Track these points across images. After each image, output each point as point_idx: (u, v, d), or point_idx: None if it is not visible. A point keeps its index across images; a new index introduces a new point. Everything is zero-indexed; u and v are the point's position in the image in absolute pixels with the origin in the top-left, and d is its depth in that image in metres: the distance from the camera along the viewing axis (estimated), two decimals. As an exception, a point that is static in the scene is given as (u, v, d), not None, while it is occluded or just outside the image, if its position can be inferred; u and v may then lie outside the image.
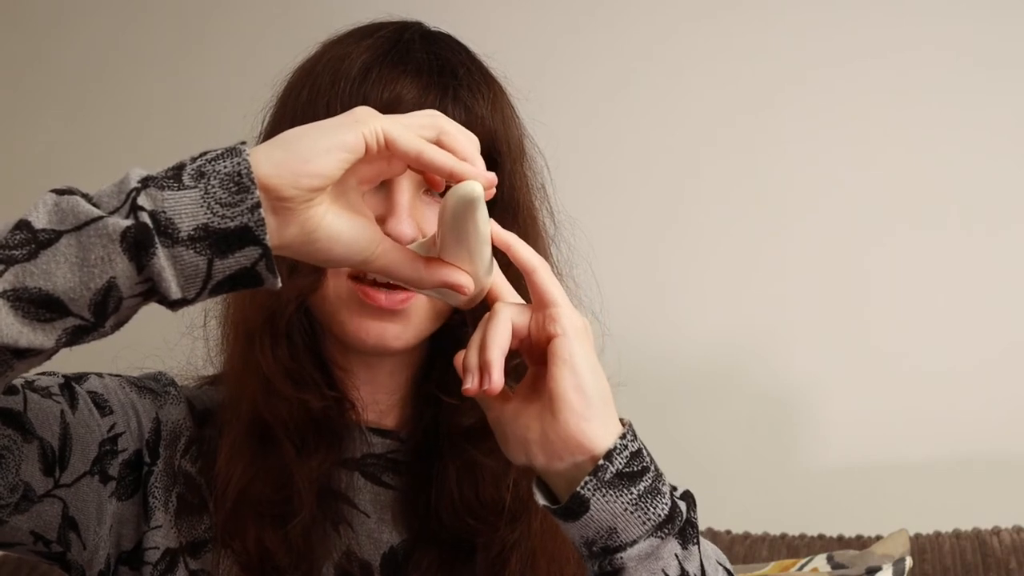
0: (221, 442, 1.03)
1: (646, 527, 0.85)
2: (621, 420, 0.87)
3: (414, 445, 1.07)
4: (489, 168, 0.90)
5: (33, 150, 2.43)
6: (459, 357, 0.89)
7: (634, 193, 2.12)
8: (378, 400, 1.07)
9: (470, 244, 0.84)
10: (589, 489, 0.84)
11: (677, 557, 0.86)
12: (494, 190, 0.83)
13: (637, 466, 0.85)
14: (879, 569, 1.61)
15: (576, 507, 0.84)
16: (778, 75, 2.08)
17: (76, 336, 0.77)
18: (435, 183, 0.86)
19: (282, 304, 1.00)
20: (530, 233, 1.05)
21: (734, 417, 2.05)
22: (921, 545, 1.74)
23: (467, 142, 0.83)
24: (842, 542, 1.78)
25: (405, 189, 0.96)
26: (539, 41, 2.16)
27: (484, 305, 0.90)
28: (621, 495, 0.84)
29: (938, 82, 2.02)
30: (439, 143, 0.82)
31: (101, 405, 0.99)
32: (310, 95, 1.01)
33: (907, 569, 1.62)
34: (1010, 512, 1.79)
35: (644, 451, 0.87)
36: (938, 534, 1.76)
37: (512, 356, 0.87)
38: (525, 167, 1.07)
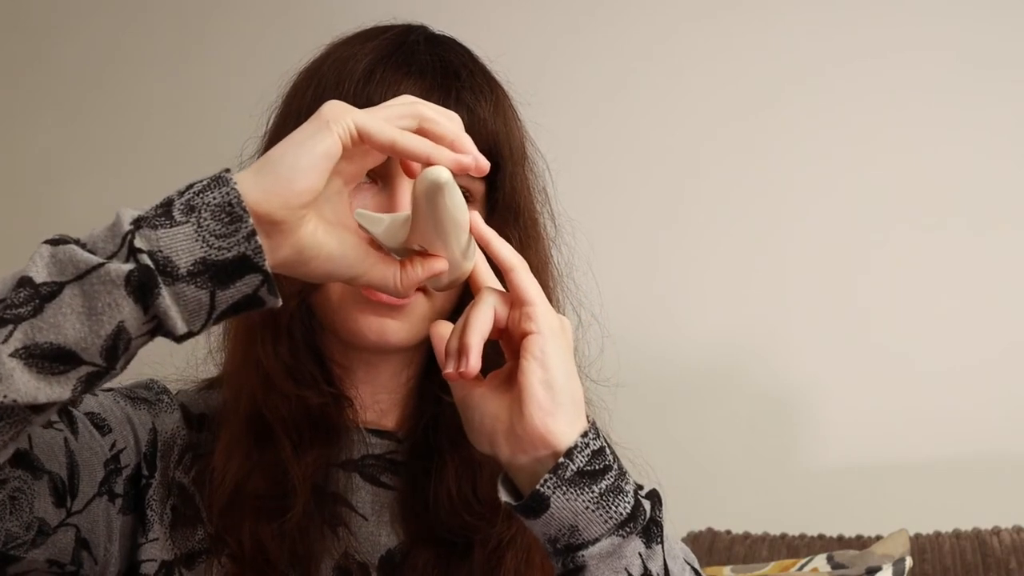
0: (219, 438, 1.03)
1: (607, 525, 0.85)
2: (588, 418, 0.87)
3: (412, 445, 1.07)
4: (491, 172, 0.90)
5: (33, 150, 2.43)
6: (435, 327, 0.90)
7: (634, 194, 2.12)
8: (379, 400, 1.07)
9: (443, 228, 0.84)
10: (549, 487, 0.84)
11: (640, 556, 0.86)
12: (484, 163, 0.84)
13: (599, 464, 0.85)
14: (879, 569, 1.61)
15: (536, 505, 0.85)
16: (778, 75, 2.08)
17: (91, 383, 0.78)
18: (410, 170, 0.87)
19: (284, 301, 1.00)
20: (531, 236, 1.05)
21: (734, 417, 2.05)
22: (921, 545, 1.74)
23: (450, 125, 0.83)
24: (842, 542, 1.78)
25: (407, 190, 0.97)
26: (539, 42, 2.16)
27: (469, 293, 0.90)
28: (582, 493, 0.84)
29: (938, 82, 2.02)
30: (421, 131, 0.82)
31: (100, 425, 0.99)
32: (315, 95, 1.02)
33: (907, 569, 1.62)
34: (1010, 512, 1.79)
35: (607, 449, 0.87)
36: (938, 534, 1.76)
37: (492, 344, 0.87)
38: (527, 170, 1.07)
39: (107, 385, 1.04)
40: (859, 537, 1.79)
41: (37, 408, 0.77)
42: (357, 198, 0.98)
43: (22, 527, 0.89)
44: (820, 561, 1.67)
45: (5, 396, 0.75)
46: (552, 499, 0.84)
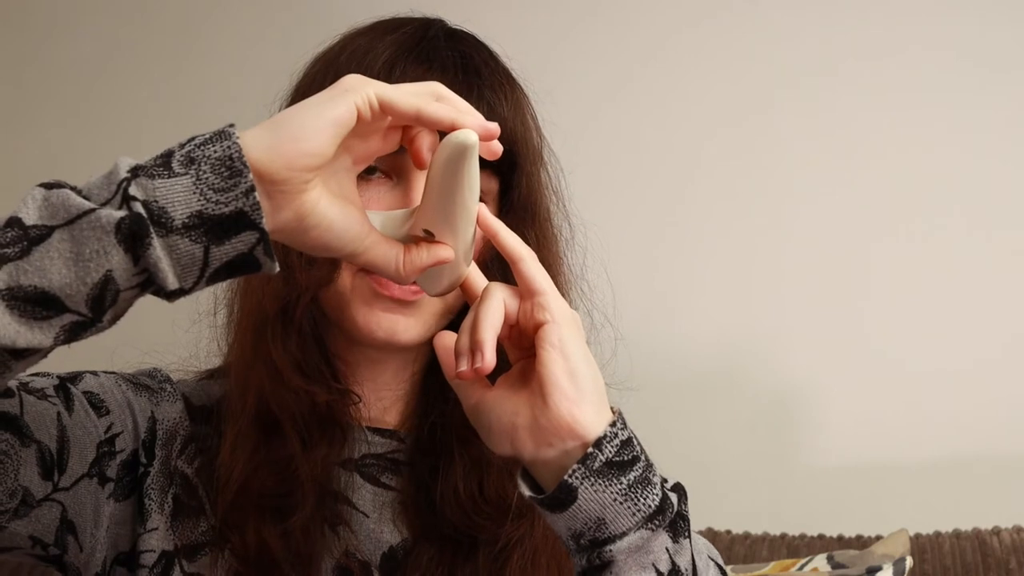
0: (224, 433, 1.02)
1: (636, 519, 0.83)
2: (612, 408, 0.85)
3: (415, 443, 1.06)
4: (508, 171, 0.88)
5: (33, 150, 2.43)
6: (439, 339, 0.88)
7: (633, 195, 2.12)
8: (381, 397, 1.07)
9: (454, 208, 0.82)
10: (577, 478, 0.82)
11: (668, 551, 0.85)
12: (498, 144, 0.82)
13: (627, 455, 0.83)
14: (879, 569, 1.61)
15: (563, 496, 0.82)
16: (780, 76, 2.08)
17: (74, 332, 0.75)
18: (420, 161, 0.84)
19: (297, 295, 0.99)
20: (547, 236, 1.05)
21: (734, 417, 2.05)
22: (921, 545, 1.74)
23: (463, 101, 0.82)
24: (842, 542, 1.78)
25: (422, 185, 0.96)
26: (538, 42, 2.16)
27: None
28: (611, 484, 0.82)
29: (938, 82, 2.02)
30: None
31: (97, 405, 0.97)
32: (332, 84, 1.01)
33: (907, 569, 1.62)
34: (1010, 512, 1.79)
35: (634, 440, 0.85)
36: (938, 534, 1.76)
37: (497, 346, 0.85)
38: (543, 170, 1.06)
39: (111, 370, 1.04)
40: (859, 537, 1.79)
41: (16, 353, 0.75)
42: (372, 192, 0.98)
43: (5, 493, 0.87)
44: (820, 561, 1.67)
45: None
46: (580, 490, 0.82)
